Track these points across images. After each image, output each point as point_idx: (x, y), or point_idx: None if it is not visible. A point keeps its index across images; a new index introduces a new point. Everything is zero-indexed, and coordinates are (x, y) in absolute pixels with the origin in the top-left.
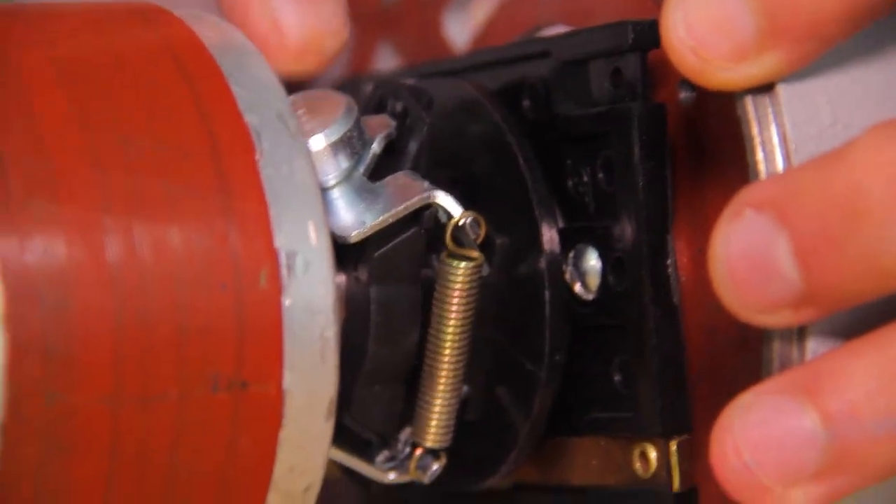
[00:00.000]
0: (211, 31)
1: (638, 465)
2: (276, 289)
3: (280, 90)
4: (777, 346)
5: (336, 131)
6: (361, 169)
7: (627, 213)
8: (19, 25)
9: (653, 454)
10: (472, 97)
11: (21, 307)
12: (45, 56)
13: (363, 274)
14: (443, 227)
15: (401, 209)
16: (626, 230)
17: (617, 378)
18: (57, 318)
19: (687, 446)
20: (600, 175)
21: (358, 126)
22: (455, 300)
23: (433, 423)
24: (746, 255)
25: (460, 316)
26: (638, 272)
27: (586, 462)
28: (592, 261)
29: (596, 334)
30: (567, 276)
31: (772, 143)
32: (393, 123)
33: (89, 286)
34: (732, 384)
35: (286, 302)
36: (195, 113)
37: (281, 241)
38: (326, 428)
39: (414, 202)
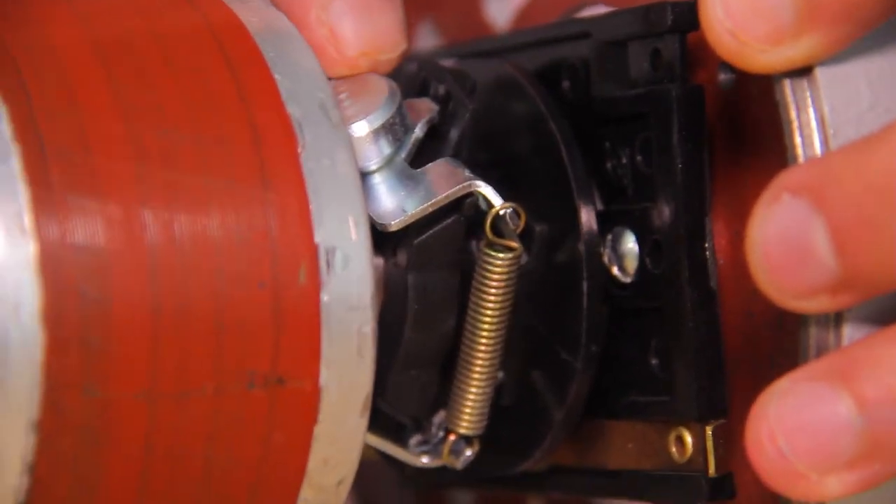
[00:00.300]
0: (255, 16)
1: (674, 449)
2: (315, 285)
3: (322, 78)
4: (813, 332)
5: (379, 117)
6: (403, 154)
7: (665, 195)
8: (62, 5)
9: (689, 439)
10: (514, 80)
11: (60, 301)
12: (87, 40)
13: (402, 259)
14: (483, 214)
15: (441, 198)
16: (663, 213)
17: (654, 361)
18: (96, 312)
19: (723, 431)
20: (639, 157)
21: (400, 111)
22: (493, 290)
23: (467, 410)
24: (783, 240)
25: (498, 306)
26: (675, 255)
27: (623, 445)
28: (630, 244)
29: (633, 318)
30: (605, 259)
31: (810, 127)
32: (436, 108)
33: (128, 280)
34: (769, 369)
35: (324, 298)
36: (238, 103)
37: (321, 236)
38: (361, 422)
39: (455, 191)
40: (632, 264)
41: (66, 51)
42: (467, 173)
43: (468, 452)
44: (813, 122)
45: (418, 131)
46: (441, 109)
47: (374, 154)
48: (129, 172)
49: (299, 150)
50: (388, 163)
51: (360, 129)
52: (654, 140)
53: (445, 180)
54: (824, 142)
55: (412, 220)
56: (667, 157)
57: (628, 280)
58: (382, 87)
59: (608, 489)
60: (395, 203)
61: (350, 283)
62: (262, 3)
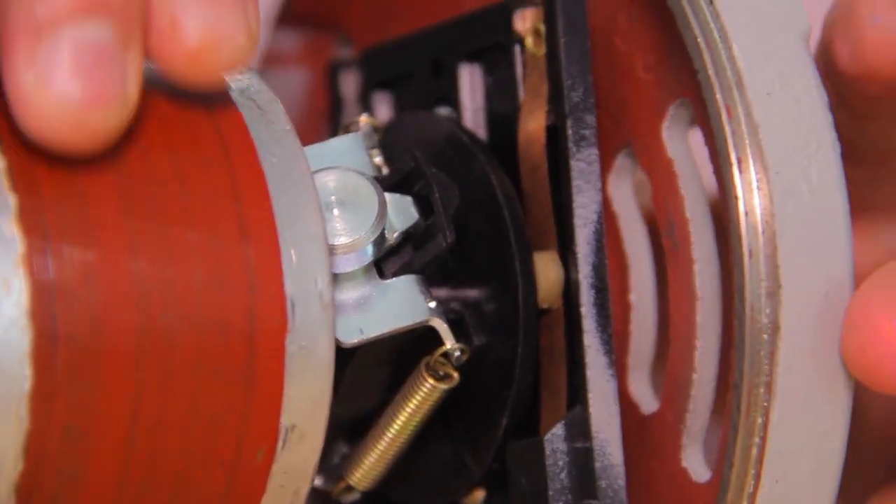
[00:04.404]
0: (240, 85)
1: None
2: (269, 461)
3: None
4: None
5: (365, 238)
6: (373, 262)
7: None
8: None
9: None
10: (492, 194)
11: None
12: None
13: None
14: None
15: (398, 328)
16: None
17: None
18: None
19: None
20: None
21: (384, 225)
22: (416, 402)
23: (363, 468)
24: None
25: (417, 417)
26: None
27: None
28: None
29: None
30: None
31: None
32: (416, 219)
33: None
34: None
35: (274, 469)
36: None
37: (286, 418)
38: None
39: (411, 325)
40: None
41: None
42: (429, 305)
43: (355, 497)
44: None
45: (394, 240)
46: (420, 215)
47: (350, 263)
48: (119, 226)
49: (288, 332)
50: (360, 274)
51: (345, 241)
52: None
53: (406, 307)
54: None
55: (367, 341)
56: None
57: None
58: (372, 201)
59: None
60: (354, 320)
61: (300, 457)
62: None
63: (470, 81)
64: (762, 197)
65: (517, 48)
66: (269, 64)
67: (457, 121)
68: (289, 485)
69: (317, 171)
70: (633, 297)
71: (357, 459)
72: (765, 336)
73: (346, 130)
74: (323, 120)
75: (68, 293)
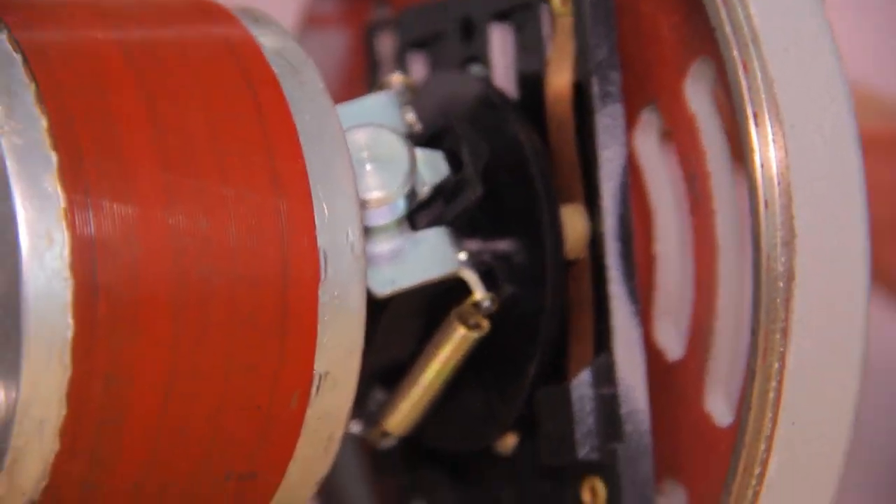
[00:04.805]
0: (269, 40)
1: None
2: (303, 407)
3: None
4: None
5: (396, 192)
6: (405, 215)
7: None
8: (99, 19)
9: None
10: (521, 150)
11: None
12: (119, 48)
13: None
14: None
15: (429, 278)
16: None
17: None
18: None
19: None
20: None
21: (415, 180)
22: (448, 355)
23: (399, 415)
24: None
25: (448, 365)
26: None
27: None
28: None
29: None
30: None
31: None
32: (446, 173)
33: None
34: None
35: (308, 414)
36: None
37: (319, 364)
38: (312, 491)
39: (443, 275)
40: None
41: (100, 52)
42: (460, 256)
43: (391, 442)
44: None
45: (425, 194)
46: (451, 171)
47: (382, 217)
48: (155, 180)
49: (320, 285)
50: (391, 226)
51: (376, 197)
52: None
53: (437, 258)
54: None
55: (399, 291)
56: None
57: None
58: (403, 157)
59: None
60: (387, 271)
61: (333, 403)
62: (274, 25)
63: (500, 41)
64: (777, 149)
65: (544, 7)
66: (310, 26)
67: (487, 79)
68: (323, 429)
69: (349, 128)
70: (658, 248)
71: (392, 406)
72: (780, 284)
73: (380, 89)
74: (361, 80)
75: (108, 246)
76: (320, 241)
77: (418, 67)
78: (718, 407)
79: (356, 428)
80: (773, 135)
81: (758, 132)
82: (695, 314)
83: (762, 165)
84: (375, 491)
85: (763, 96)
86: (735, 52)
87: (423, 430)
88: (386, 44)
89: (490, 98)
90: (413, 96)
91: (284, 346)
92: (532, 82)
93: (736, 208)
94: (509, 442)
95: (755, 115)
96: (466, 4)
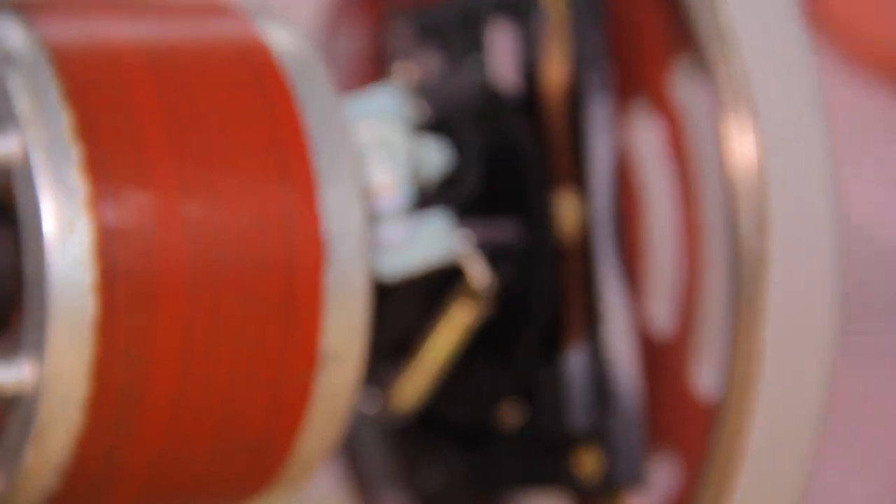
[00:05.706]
0: (281, 39)
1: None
2: (311, 382)
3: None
4: None
5: (399, 180)
6: (412, 198)
7: None
8: (120, 21)
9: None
10: (517, 138)
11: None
12: (139, 47)
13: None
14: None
15: (431, 261)
16: None
17: None
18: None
19: None
20: None
21: (417, 167)
22: (452, 332)
23: (406, 389)
24: None
25: (453, 342)
26: None
27: None
28: None
29: None
30: None
31: None
32: (447, 161)
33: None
34: None
35: (315, 388)
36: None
37: (325, 346)
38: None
39: (444, 259)
40: None
41: (124, 61)
42: (461, 241)
43: (399, 416)
44: None
45: (427, 181)
46: (451, 161)
47: (387, 203)
48: (172, 171)
49: (324, 269)
50: (399, 210)
51: (381, 183)
52: None
53: (440, 242)
54: None
55: (403, 274)
56: None
57: None
58: (407, 146)
59: None
60: (391, 255)
61: (339, 379)
62: (290, 27)
63: (499, 32)
64: (752, 139)
65: (543, 1)
66: (324, 17)
67: (487, 71)
68: (329, 405)
69: (356, 119)
70: (648, 230)
71: (400, 382)
72: (756, 264)
73: (387, 80)
74: (374, 70)
75: (127, 233)
76: (325, 228)
77: (426, 58)
78: (705, 381)
79: (365, 403)
80: (747, 125)
81: (734, 122)
82: (683, 293)
83: (738, 154)
84: (390, 462)
85: (739, 88)
86: (713, 48)
87: (429, 405)
88: (399, 34)
89: (488, 88)
90: (417, 86)
91: (291, 325)
92: (529, 72)
93: (720, 193)
94: (510, 414)
95: (731, 106)
96: None
